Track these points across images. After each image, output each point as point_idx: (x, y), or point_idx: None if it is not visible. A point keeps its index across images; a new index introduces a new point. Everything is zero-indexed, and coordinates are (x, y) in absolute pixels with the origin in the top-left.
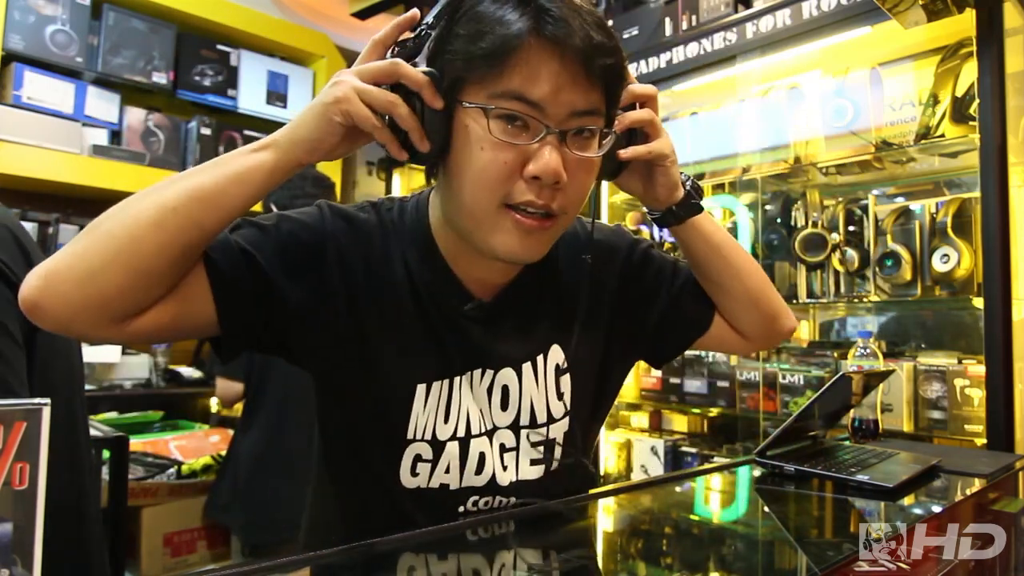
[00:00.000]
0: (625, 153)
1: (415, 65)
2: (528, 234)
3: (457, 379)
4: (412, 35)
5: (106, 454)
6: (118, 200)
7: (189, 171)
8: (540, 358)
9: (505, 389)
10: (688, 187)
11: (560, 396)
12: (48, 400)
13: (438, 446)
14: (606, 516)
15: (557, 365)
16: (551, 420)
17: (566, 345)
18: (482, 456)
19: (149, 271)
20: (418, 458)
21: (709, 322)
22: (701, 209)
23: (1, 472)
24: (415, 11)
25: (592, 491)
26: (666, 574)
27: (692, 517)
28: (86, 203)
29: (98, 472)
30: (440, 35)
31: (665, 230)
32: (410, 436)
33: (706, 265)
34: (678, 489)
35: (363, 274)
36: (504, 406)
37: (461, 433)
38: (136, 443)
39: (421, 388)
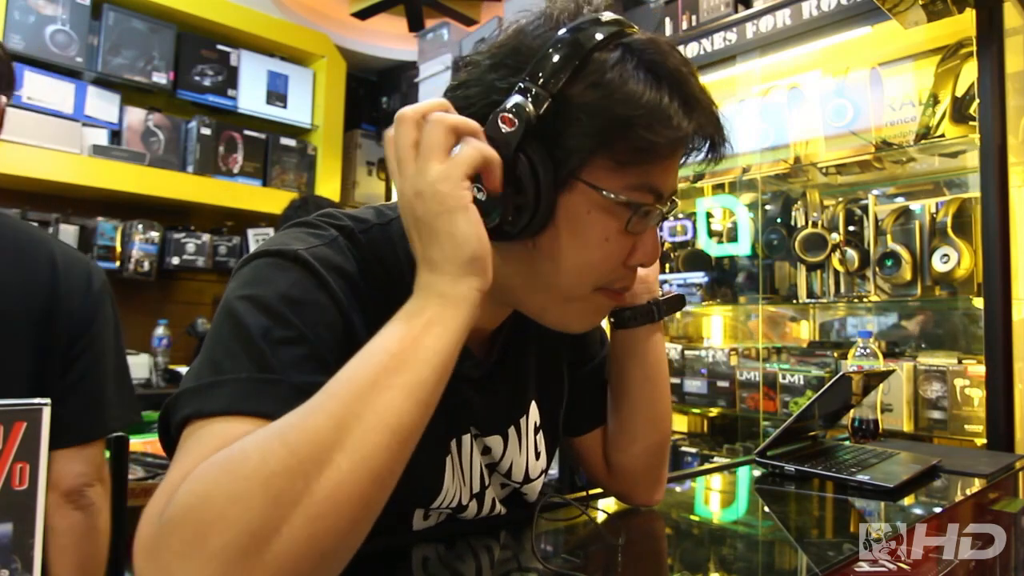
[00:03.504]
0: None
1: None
2: (607, 310)
3: (452, 443)
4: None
5: (106, 454)
6: (117, 200)
7: (360, 405)
8: (523, 420)
9: (488, 452)
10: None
11: (538, 456)
12: (48, 400)
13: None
14: (607, 516)
15: (535, 424)
16: (527, 480)
17: (541, 402)
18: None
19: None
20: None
21: (584, 431)
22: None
23: (1, 472)
24: None
25: (593, 491)
26: (667, 574)
27: (692, 517)
28: (86, 203)
29: None
30: (558, 96)
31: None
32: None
33: (642, 386)
34: (678, 489)
35: (366, 339)
36: (491, 470)
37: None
38: (136, 443)
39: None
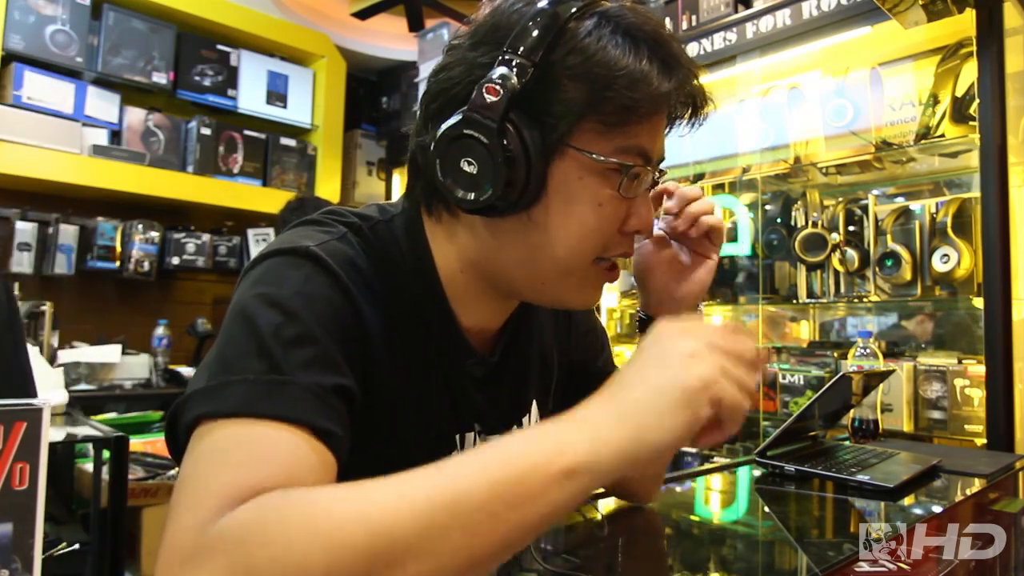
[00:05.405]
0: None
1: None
2: (606, 284)
3: (457, 438)
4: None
5: (106, 454)
6: (117, 200)
7: (453, 520)
8: (525, 419)
9: None
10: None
11: None
12: (48, 400)
13: None
14: (607, 516)
15: (535, 423)
16: None
17: (542, 402)
18: None
19: None
20: None
21: None
22: None
23: (1, 472)
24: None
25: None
26: (667, 574)
27: (692, 517)
28: (86, 203)
29: (98, 472)
30: (540, 64)
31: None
32: None
33: None
34: (678, 489)
35: (378, 334)
36: None
37: None
38: (136, 443)
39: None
